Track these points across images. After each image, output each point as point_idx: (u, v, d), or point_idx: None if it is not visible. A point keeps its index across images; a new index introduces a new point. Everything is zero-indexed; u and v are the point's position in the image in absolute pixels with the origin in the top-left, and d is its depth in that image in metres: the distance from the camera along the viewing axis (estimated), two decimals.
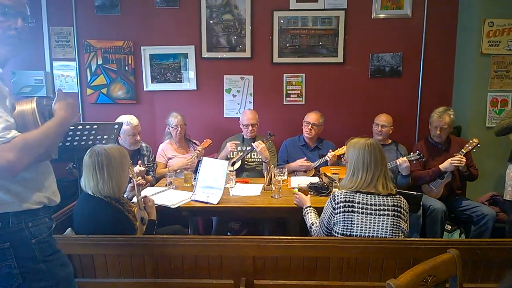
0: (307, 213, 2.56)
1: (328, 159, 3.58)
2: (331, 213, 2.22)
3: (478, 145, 3.29)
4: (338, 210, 2.17)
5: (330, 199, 2.24)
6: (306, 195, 2.79)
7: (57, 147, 1.58)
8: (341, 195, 2.19)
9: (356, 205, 2.15)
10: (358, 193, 2.18)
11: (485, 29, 3.95)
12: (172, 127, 3.89)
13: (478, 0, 3.95)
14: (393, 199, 2.18)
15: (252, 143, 3.76)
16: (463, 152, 3.31)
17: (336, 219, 2.19)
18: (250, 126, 3.89)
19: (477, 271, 2.15)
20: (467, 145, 3.33)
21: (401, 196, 2.24)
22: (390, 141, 3.85)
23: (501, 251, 2.12)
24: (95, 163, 2.22)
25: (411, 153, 3.45)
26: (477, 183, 3.68)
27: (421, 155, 3.37)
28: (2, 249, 1.44)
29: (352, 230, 2.15)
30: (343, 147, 3.55)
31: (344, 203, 2.16)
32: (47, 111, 1.56)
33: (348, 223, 2.15)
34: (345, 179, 2.30)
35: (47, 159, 1.56)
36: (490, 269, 2.15)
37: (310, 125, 3.84)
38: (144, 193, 3.06)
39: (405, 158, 3.37)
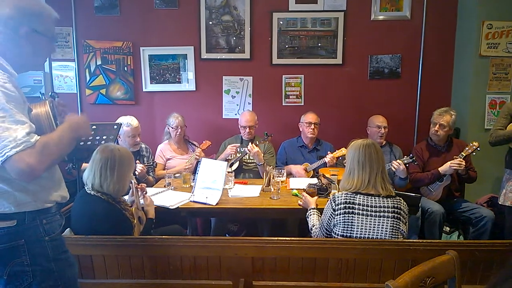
0: (310, 215, 2.56)
1: (327, 161, 3.58)
2: (331, 215, 2.22)
3: (478, 148, 3.28)
4: (339, 211, 2.17)
5: (330, 200, 2.24)
6: (313, 197, 2.80)
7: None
8: (341, 197, 2.19)
9: (356, 206, 2.15)
10: (358, 195, 2.18)
11: (484, 31, 3.96)
12: (172, 128, 3.89)
13: (477, 2, 3.96)
14: (393, 201, 2.18)
15: (246, 147, 3.75)
16: (462, 155, 3.30)
17: (336, 220, 2.19)
18: (248, 128, 3.89)
19: (476, 273, 2.16)
20: (467, 148, 3.32)
21: (400, 198, 2.24)
22: (384, 142, 3.84)
23: (499, 252, 2.12)
24: (107, 161, 2.23)
25: (405, 156, 3.45)
26: (475, 185, 3.69)
27: (414, 158, 3.37)
28: (17, 246, 1.47)
29: (352, 232, 2.15)
30: (342, 149, 3.57)
31: (344, 205, 2.16)
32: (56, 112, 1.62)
33: (348, 225, 2.15)
34: (342, 179, 2.32)
35: (60, 160, 1.59)
36: (489, 271, 2.15)
37: (312, 124, 3.85)
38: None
39: (399, 161, 3.37)
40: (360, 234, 2.14)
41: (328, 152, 3.67)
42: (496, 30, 3.96)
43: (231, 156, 3.89)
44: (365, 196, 2.18)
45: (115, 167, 2.23)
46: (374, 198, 2.17)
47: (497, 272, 0.91)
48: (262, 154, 3.87)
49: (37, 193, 1.51)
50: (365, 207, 2.15)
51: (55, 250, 1.55)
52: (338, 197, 2.21)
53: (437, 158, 3.56)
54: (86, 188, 2.30)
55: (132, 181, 2.63)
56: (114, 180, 2.24)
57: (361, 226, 2.14)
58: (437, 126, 3.50)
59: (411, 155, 3.41)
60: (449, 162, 3.32)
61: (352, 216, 2.15)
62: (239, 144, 3.90)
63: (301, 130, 3.99)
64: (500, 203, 3.30)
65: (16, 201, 1.46)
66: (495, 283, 0.89)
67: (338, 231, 2.18)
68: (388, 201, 2.17)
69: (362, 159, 2.21)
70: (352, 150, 2.28)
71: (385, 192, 2.19)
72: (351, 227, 2.15)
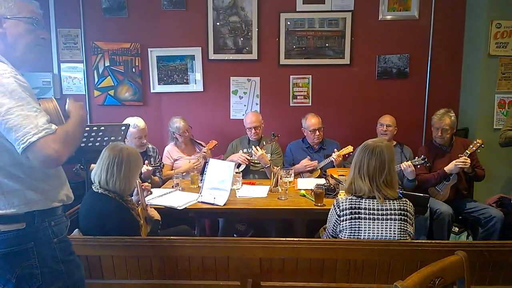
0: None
1: (333, 159, 3.57)
2: (336, 220, 2.19)
3: (482, 146, 3.27)
4: (344, 217, 2.15)
5: (334, 206, 2.21)
6: (323, 197, 2.81)
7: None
8: (345, 202, 2.16)
9: (362, 211, 2.13)
10: (363, 199, 2.15)
11: (492, 30, 3.93)
12: (179, 134, 3.86)
13: (485, 1, 3.93)
14: (399, 203, 2.16)
15: (251, 150, 3.74)
16: (467, 153, 3.28)
17: (342, 226, 2.16)
18: (253, 129, 3.88)
19: (485, 273, 2.14)
20: (471, 146, 3.31)
21: (407, 199, 2.21)
22: (394, 142, 3.82)
23: (509, 253, 2.11)
24: (115, 158, 2.25)
25: (416, 158, 3.43)
26: (484, 184, 3.65)
27: (426, 159, 3.35)
28: (26, 249, 1.47)
29: (359, 236, 2.13)
30: (348, 146, 3.56)
31: (350, 210, 2.14)
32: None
33: (355, 230, 2.13)
34: (347, 182, 2.29)
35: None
36: (498, 271, 2.13)
37: (317, 131, 3.81)
38: (150, 195, 3.09)
39: (409, 162, 3.35)
40: (368, 238, 2.12)
41: (335, 150, 3.66)
42: (505, 29, 3.93)
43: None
44: (371, 200, 2.15)
45: (122, 165, 2.25)
46: (380, 201, 2.13)
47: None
48: (270, 155, 3.87)
49: (46, 191, 1.51)
50: (371, 211, 2.13)
51: (63, 252, 1.55)
52: (342, 202, 2.17)
53: (442, 158, 3.54)
54: (93, 187, 2.32)
55: (137, 182, 2.65)
56: (121, 178, 2.25)
57: (368, 230, 2.12)
58: (440, 131, 3.48)
59: (422, 156, 3.39)
60: (454, 161, 3.30)
61: (359, 222, 2.13)
62: (249, 157, 3.80)
63: (305, 135, 3.97)
64: None
65: (26, 199, 1.46)
66: None
67: (345, 236, 2.16)
68: (394, 203, 2.15)
69: (365, 163, 2.16)
70: (358, 151, 2.24)
71: (391, 195, 2.15)
72: (358, 232, 2.13)
